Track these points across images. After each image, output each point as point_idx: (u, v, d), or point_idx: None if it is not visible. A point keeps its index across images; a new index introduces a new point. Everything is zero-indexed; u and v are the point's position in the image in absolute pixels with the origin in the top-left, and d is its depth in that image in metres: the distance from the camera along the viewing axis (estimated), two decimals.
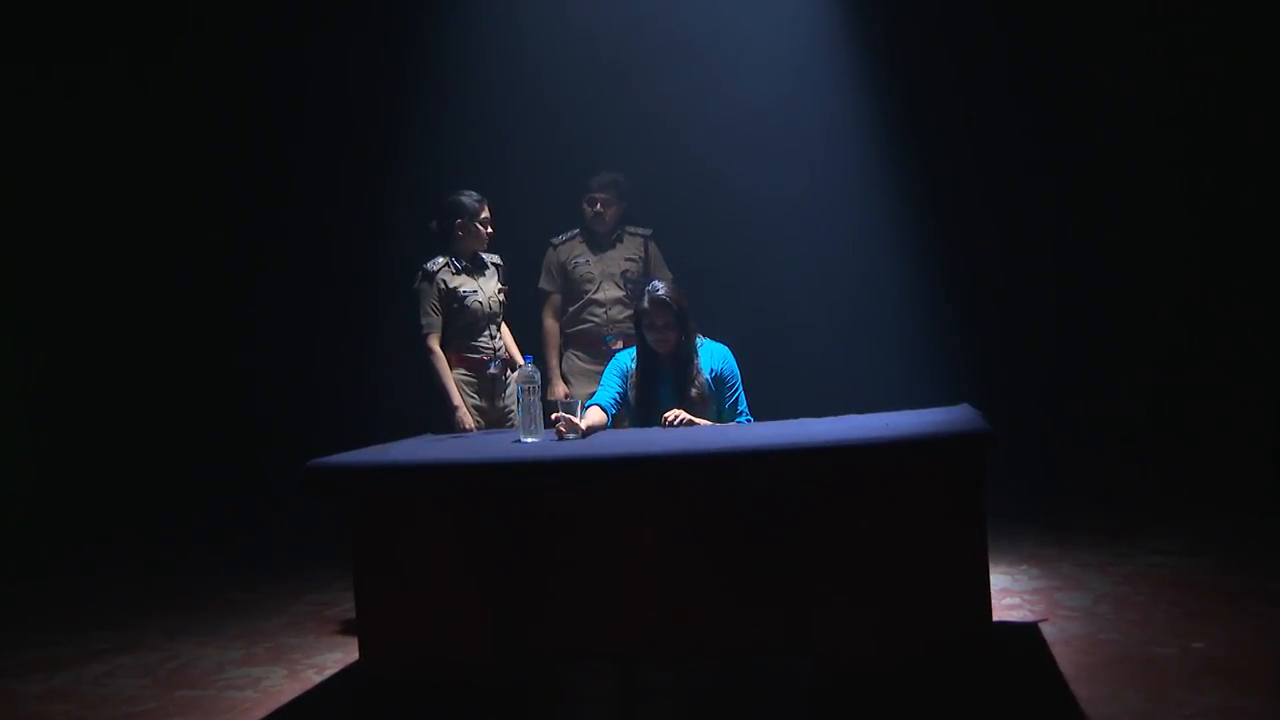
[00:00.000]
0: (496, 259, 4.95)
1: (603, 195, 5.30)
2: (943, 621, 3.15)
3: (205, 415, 7.19)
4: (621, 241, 5.40)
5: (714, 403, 4.17)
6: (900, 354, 6.06)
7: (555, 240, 5.43)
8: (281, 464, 7.12)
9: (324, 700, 3.66)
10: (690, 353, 4.18)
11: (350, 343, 6.86)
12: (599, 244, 5.38)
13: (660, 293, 4.16)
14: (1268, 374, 5.93)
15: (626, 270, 5.37)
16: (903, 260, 6.25)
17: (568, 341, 5.42)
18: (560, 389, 5.29)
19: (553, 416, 3.89)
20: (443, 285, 4.67)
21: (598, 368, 5.27)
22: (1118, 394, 6.31)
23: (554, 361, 5.38)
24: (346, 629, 4.49)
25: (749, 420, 4.19)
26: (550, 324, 5.42)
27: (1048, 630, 3.80)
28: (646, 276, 5.37)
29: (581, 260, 5.36)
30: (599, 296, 5.34)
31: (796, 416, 4.00)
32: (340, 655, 4.11)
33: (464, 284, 4.73)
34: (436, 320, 4.66)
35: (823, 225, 6.43)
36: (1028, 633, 3.79)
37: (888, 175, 6.25)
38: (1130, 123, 6.32)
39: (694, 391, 4.14)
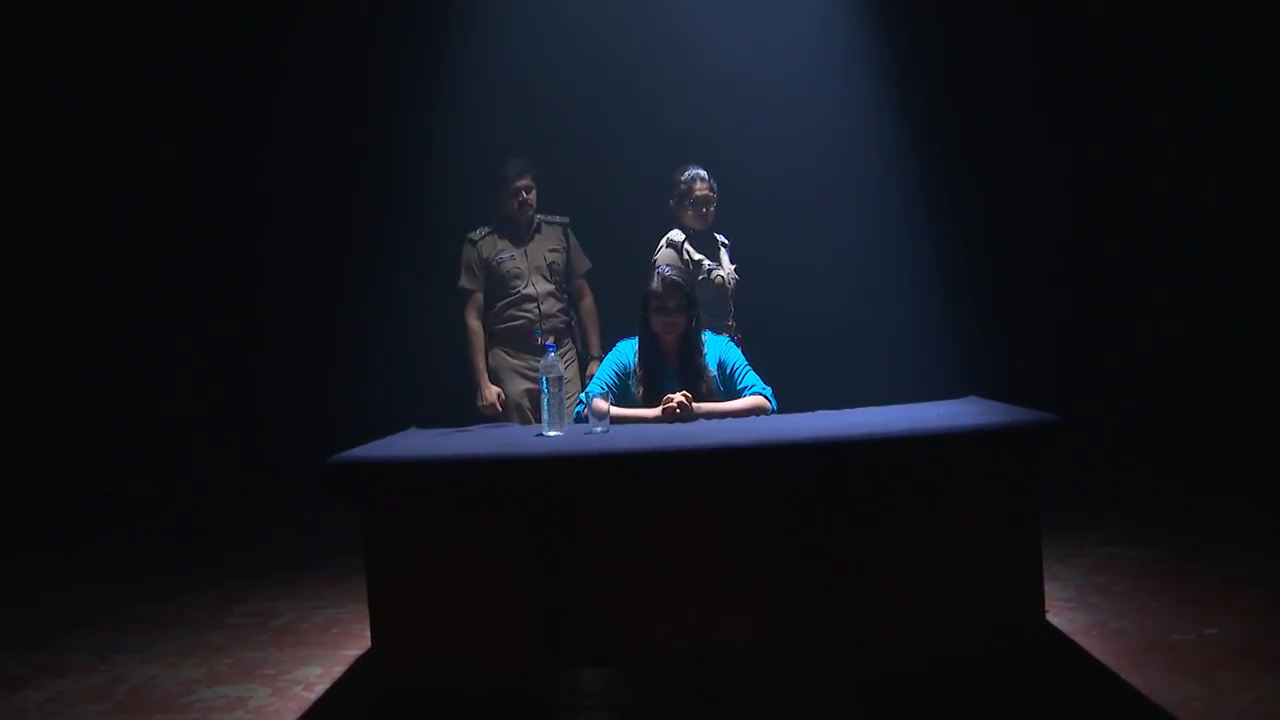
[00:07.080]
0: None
1: (526, 182, 5.09)
2: (1005, 613, 3.10)
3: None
4: (540, 232, 5.21)
5: (722, 398, 3.99)
6: (895, 347, 6.08)
7: (474, 236, 5.17)
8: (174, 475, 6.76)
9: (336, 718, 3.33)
10: (697, 343, 4.01)
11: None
12: (520, 237, 5.16)
13: (671, 273, 3.98)
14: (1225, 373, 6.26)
15: (553, 262, 5.19)
16: (904, 254, 6.27)
17: (494, 339, 5.17)
18: (491, 393, 5.05)
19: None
20: None
21: (525, 362, 5.08)
22: (1087, 392, 6.50)
23: (482, 364, 5.12)
24: (304, 640, 4.14)
25: (768, 392, 3.96)
26: (475, 324, 5.15)
27: (1057, 621, 3.82)
28: (570, 267, 5.24)
29: (506, 255, 5.12)
30: (530, 291, 5.12)
31: (807, 408, 3.90)
32: (319, 670, 3.76)
33: None
34: None
35: (831, 217, 6.41)
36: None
37: (899, 170, 6.27)
38: (1138, 118, 6.52)
39: (703, 387, 3.95)
